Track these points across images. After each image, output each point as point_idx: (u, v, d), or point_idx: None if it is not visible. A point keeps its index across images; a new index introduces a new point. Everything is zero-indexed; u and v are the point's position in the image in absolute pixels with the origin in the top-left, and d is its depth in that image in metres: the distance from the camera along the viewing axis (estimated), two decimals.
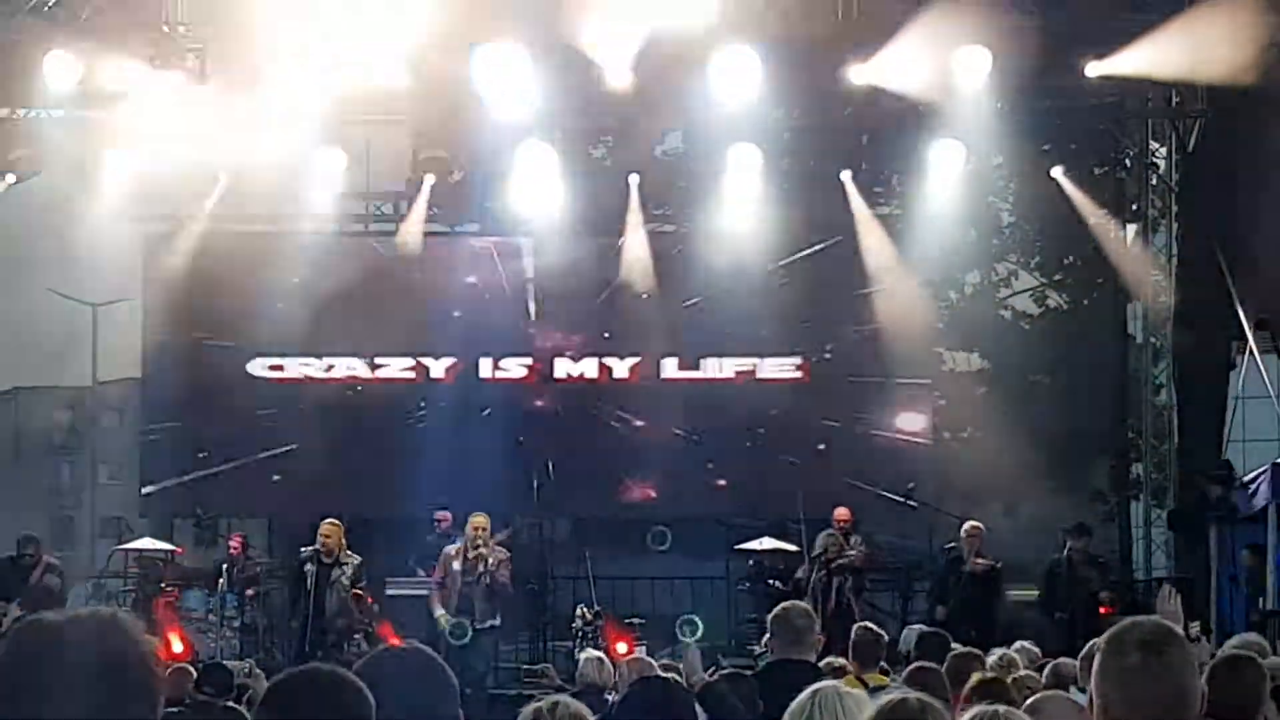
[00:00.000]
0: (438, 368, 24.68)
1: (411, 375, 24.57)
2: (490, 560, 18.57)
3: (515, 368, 24.72)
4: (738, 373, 24.41)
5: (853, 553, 20.15)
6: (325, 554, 18.49)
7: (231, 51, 21.73)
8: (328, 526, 18.76)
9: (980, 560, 20.07)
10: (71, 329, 53.24)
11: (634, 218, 24.11)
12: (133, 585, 21.95)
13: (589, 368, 24.67)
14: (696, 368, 24.45)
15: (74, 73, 21.34)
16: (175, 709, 11.26)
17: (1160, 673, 4.53)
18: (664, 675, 7.83)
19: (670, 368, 24.52)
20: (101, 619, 2.84)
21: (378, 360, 24.49)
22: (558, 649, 22.33)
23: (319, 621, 18.32)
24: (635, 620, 20.83)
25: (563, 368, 24.70)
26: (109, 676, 2.79)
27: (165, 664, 16.09)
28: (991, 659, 10.19)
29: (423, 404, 24.35)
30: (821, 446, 23.87)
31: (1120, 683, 4.52)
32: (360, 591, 18.66)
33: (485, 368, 24.68)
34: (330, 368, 24.42)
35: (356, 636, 18.52)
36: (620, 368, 24.60)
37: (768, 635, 9.84)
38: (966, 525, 20.76)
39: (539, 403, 24.40)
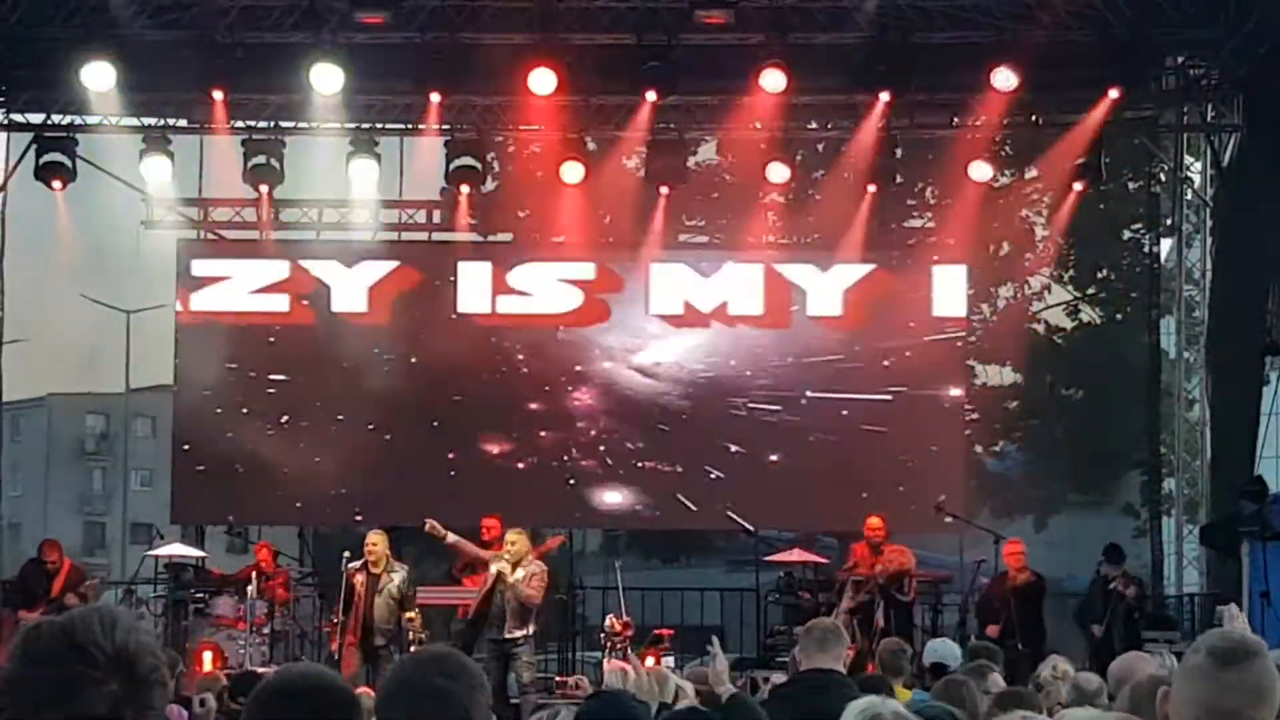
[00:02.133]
0: (346, 287, 23.92)
1: (281, 307, 23.81)
2: (520, 574, 18.51)
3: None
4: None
5: (877, 570, 20.02)
6: (373, 564, 18.61)
7: (266, 60, 21.81)
8: (373, 537, 18.92)
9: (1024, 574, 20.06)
10: (104, 335, 53.56)
11: (663, 230, 24.03)
12: (163, 591, 22.01)
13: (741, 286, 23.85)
14: None
15: (111, 80, 21.40)
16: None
17: (1225, 683, 4.52)
18: (614, 690, 7.75)
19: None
20: (104, 614, 2.86)
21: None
22: (587, 660, 22.35)
23: (369, 628, 18.47)
24: (665, 631, 20.79)
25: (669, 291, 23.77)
26: (121, 670, 2.80)
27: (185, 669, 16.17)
28: (1046, 671, 10.17)
29: (458, 397, 23.97)
30: (854, 459, 23.63)
31: (1186, 680, 4.56)
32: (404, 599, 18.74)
33: (473, 294, 23.99)
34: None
35: (392, 646, 18.62)
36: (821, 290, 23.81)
37: (797, 647, 9.87)
38: (1006, 544, 20.74)
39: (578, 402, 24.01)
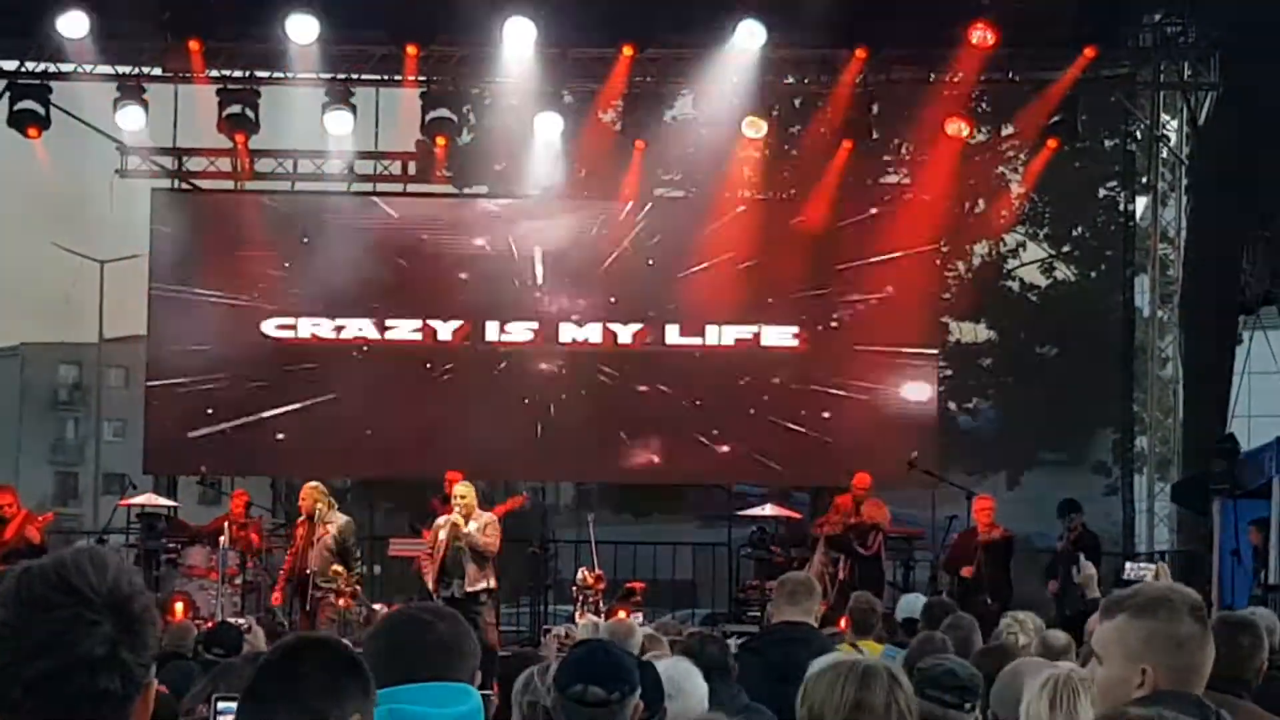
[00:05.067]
0: (445, 330, 24.14)
1: (419, 337, 24.15)
2: (473, 526, 18.33)
3: (521, 331, 24.14)
4: (739, 340, 24.10)
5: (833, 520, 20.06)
6: (307, 515, 18.68)
7: (241, 8, 21.72)
8: (304, 489, 19.11)
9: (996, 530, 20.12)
10: (78, 285, 53.37)
11: (639, 183, 24.04)
12: (135, 541, 21.98)
13: (593, 333, 24.25)
14: (701, 334, 24.15)
15: (86, 27, 21.30)
16: (181, 660, 11.33)
17: (1207, 643, 4.52)
18: (600, 639, 7.77)
19: (673, 334, 24.13)
20: (94, 555, 2.85)
21: (387, 322, 24.10)
22: (559, 613, 22.37)
23: (304, 579, 18.54)
24: (637, 585, 20.81)
25: (568, 332, 24.22)
26: (116, 611, 2.80)
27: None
28: (1005, 621, 10.22)
29: (428, 365, 24.06)
30: (826, 415, 23.72)
31: (1174, 651, 4.49)
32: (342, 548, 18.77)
33: (492, 331, 24.13)
34: (341, 329, 24.04)
35: (330, 593, 18.65)
36: (624, 333, 24.15)
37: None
38: (976, 500, 20.77)
39: (543, 366, 24.09)
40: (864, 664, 4.79)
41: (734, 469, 24.44)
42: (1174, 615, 4.49)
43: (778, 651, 8.69)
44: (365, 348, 23.91)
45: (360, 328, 24.07)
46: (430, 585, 18.34)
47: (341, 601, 18.51)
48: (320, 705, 3.51)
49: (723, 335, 23.99)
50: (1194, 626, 4.49)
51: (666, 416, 23.84)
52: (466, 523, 18.22)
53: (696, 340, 24.00)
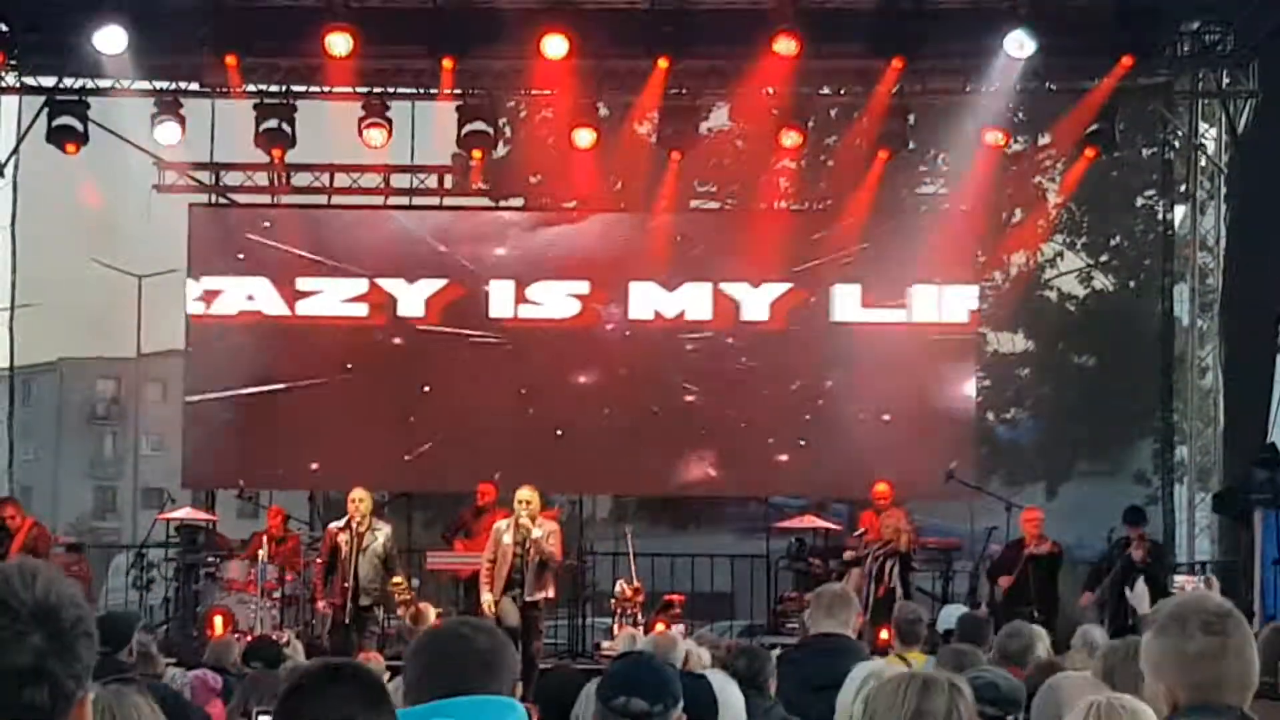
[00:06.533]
0: (412, 298, 23.68)
1: (362, 313, 23.68)
2: (538, 533, 18.32)
3: (558, 300, 23.63)
4: (956, 325, 23.61)
5: (898, 535, 19.96)
6: (357, 523, 18.65)
7: (278, 24, 21.77)
8: (357, 493, 19.06)
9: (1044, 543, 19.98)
10: (116, 300, 53.54)
11: (675, 195, 24.00)
12: (174, 555, 22.05)
13: (697, 302, 23.47)
14: (902, 303, 23.38)
15: (123, 43, 21.36)
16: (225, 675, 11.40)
17: (1226, 655, 4.48)
18: (643, 652, 7.76)
19: (848, 303, 23.62)
20: (24, 567, 2.84)
21: (299, 285, 23.56)
22: (597, 625, 22.36)
23: (356, 589, 18.49)
24: (675, 597, 20.79)
25: (645, 302, 23.56)
26: (44, 622, 2.77)
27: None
28: (1076, 638, 10.20)
29: (430, 387, 23.84)
30: (887, 417, 23.54)
31: (1186, 668, 4.47)
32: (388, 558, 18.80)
33: (501, 300, 23.69)
34: (215, 295, 23.72)
35: (378, 607, 18.72)
36: (753, 302, 23.65)
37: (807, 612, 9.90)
38: (1025, 512, 20.65)
39: (583, 379, 23.88)
40: (925, 674, 4.78)
41: (791, 480, 24.20)
42: (1183, 632, 4.49)
43: (814, 663, 8.67)
44: (357, 368, 23.74)
45: (250, 292, 23.69)
46: (491, 594, 18.17)
47: (403, 610, 18.68)
48: None
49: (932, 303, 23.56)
50: (1205, 641, 4.46)
51: (721, 424, 23.61)
52: (533, 526, 18.10)
53: (898, 314, 23.59)
